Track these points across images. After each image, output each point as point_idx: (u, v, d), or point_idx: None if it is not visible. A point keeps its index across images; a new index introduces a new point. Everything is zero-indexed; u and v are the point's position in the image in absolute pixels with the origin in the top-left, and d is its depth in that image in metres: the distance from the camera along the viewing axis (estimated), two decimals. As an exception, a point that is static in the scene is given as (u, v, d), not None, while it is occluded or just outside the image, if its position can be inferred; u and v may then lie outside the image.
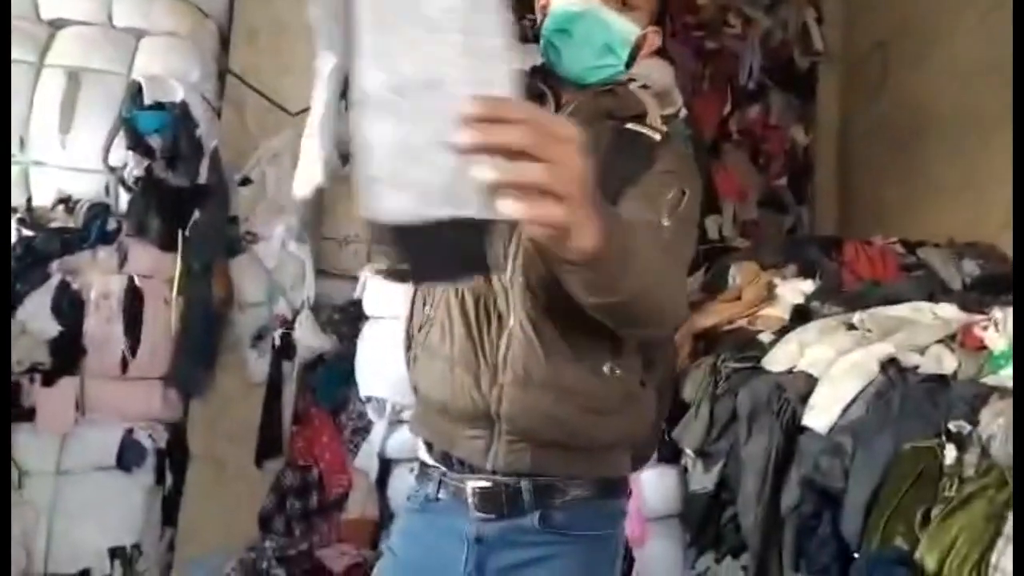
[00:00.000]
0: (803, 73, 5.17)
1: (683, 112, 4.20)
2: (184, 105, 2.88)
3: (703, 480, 2.56)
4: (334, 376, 3.10)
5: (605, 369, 1.14)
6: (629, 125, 1.19)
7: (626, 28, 1.16)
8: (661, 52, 4.60)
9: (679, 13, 4.90)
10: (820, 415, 2.20)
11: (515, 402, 1.11)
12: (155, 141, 2.83)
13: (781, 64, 5.09)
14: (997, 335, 2.11)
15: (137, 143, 2.81)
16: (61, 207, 2.82)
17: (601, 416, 1.15)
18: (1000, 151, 3.77)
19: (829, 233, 4.88)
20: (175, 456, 2.94)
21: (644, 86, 1.27)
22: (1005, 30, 3.84)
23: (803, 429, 2.26)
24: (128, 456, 2.75)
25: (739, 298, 3.00)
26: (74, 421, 2.72)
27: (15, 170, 2.81)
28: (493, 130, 0.60)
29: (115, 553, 2.74)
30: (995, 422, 1.85)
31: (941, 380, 2.14)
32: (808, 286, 2.91)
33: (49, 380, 2.68)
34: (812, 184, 5.22)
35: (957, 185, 4.06)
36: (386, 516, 2.88)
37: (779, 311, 2.85)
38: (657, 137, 1.17)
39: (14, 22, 2.86)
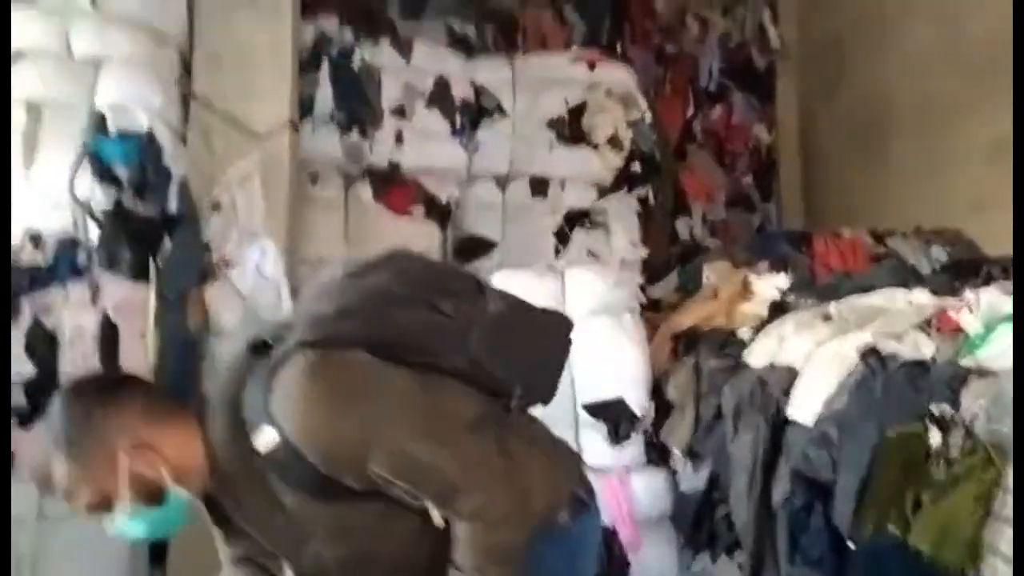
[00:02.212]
0: (762, 72, 5.26)
1: (647, 116, 4.29)
2: (149, 133, 2.84)
3: (693, 480, 2.58)
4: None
5: None
6: None
7: None
8: (622, 57, 4.65)
9: (638, 18, 4.97)
10: (804, 407, 2.22)
11: None
12: (122, 171, 2.78)
13: (740, 65, 5.18)
14: (972, 317, 2.14)
15: (103, 173, 2.76)
16: (29, 244, 2.76)
17: None
18: (960, 136, 3.87)
19: (797, 228, 4.95)
20: (159, 491, 2.88)
21: None
22: (957, 16, 3.94)
23: (789, 422, 2.28)
24: (111, 495, 2.69)
25: (715, 297, 3.03)
26: (53, 462, 2.65)
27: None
28: None
29: (101, 599, 2.67)
30: (976, 403, 1.88)
31: (920, 365, 2.17)
32: (783, 281, 2.95)
33: (25, 422, 2.62)
34: (777, 181, 5.30)
35: (920, 173, 4.15)
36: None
37: (756, 307, 2.88)
38: None
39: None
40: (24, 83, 2.81)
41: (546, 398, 1.39)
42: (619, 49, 4.72)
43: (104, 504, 1.19)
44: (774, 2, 5.24)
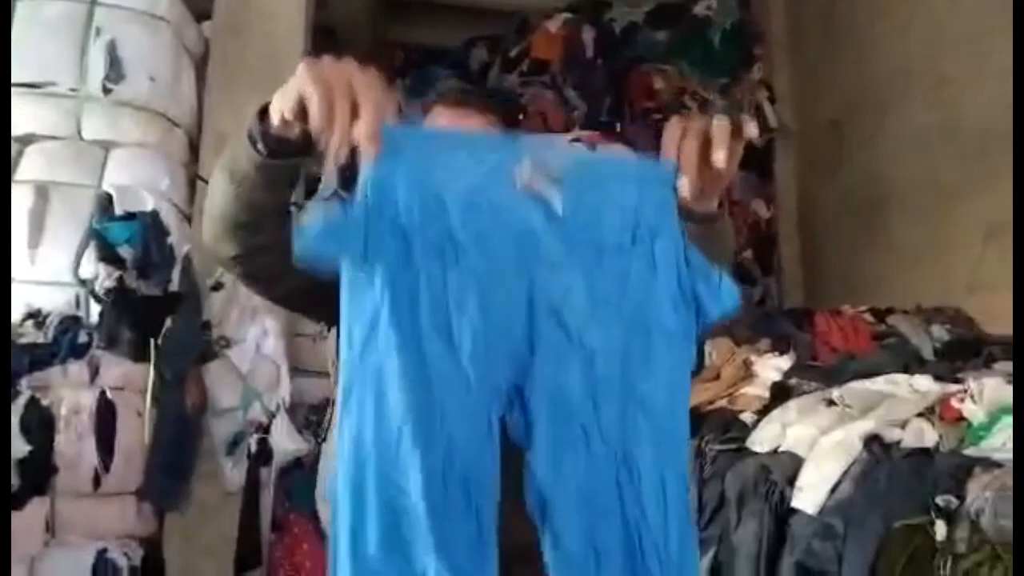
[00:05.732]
0: (760, 150, 5.33)
1: (647, 193, 4.35)
2: (155, 214, 2.88)
3: (696, 568, 2.51)
4: (312, 479, 3.03)
5: None
6: None
7: None
8: (620, 137, 4.71)
9: (637, 98, 5.08)
10: (808, 496, 2.18)
11: None
12: (126, 251, 2.82)
13: (738, 142, 5.26)
14: (975, 407, 2.13)
15: (108, 254, 2.79)
16: (30, 322, 2.77)
17: None
18: (960, 217, 3.90)
19: (797, 303, 4.96)
20: (151, 573, 2.83)
21: None
22: (954, 101, 4.02)
23: (793, 511, 2.24)
24: (101, 577, 2.64)
25: (718, 377, 3.01)
26: (44, 543, 2.61)
27: (-18, 287, 2.78)
28: None
29: None
30: (983, 495, 1.84)
31: (924, 454, 2.14)
32: (784, 362, 2.94)
33: (18, 502, 2.58)
34: (777, 256, 5.33)
35: (920, 252, 4.17)
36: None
37: (758, 389, 2.86)
38: None
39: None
40: (34, 165, 2.87)
41: None
42: (618, 128, 4.81)
43: None
44: (770, 83, 5.35)
